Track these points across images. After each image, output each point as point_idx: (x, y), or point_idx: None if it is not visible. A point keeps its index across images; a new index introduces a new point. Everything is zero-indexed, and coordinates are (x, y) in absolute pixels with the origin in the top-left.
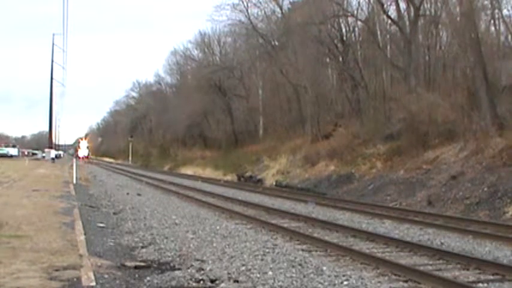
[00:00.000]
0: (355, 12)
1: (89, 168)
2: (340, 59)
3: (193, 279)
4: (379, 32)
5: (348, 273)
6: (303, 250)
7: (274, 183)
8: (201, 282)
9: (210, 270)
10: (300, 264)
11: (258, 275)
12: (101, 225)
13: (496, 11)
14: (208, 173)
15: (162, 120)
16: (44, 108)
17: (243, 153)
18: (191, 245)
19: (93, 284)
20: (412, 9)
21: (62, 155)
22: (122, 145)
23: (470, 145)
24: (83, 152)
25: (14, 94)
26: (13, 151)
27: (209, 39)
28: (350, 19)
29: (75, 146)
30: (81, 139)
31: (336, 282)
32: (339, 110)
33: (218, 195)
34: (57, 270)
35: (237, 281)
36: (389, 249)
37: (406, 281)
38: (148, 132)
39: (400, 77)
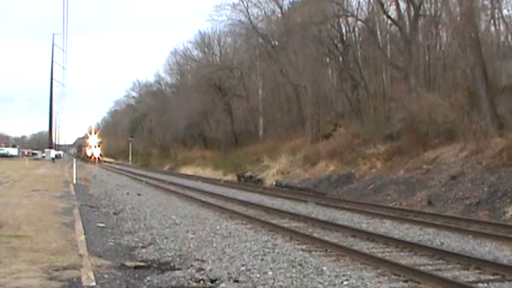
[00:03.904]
0: (355, 12)
1: (89, 168)
2: (340, 59)
3: (193, 279)
4: (379, 32)
5: (348, 273)
6: (303, 250)
7: (274, 183)
8: (201, 282)
9: (210, 270)
10: (300, 264)
11: (258, 275)
12: (101, 225)
13: (496, 11)
14: (208, 173)
15: (162, 120)
16: (45, 109)
17: (243, 153)
18: (191, 245)
19: (93, 284)
20: (412, 9)
21: (62, 155)
22: (122, 145)
23: (470, 145)
24: (93, 150)
25: (16, 94)
26: (13, 151)
27: (209, 39)
28: (350, 19)
29: (81, 142)
30: (90, 133)
31: (336, 282)
32: (339, 110)
33: (218, 195)
34: (57, 270)
35: (237, 281)
36: (390, 249)
37: (406, 281)
38: (148, 132)
39: (400, 77)
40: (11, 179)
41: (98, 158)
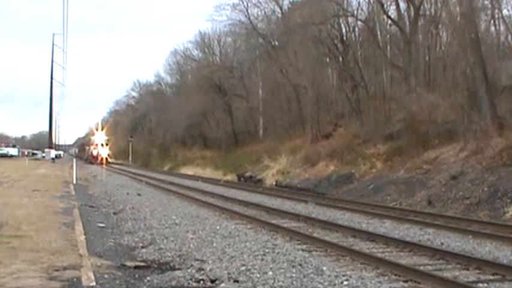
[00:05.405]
0: (355, 12)
1: (89, 168)
2: (340, 59)
3: (193, 279)
4: (379, 32)
5: (348, 273)
6: (303, 250)
7: (274, 183)
8: (201, 282)
9: (210, 270)
10: (300, 264)
11: (258, 275)
12: (101, 225)
13: (496, 11)
14: (208, 173)
15: (162, 120)
16: (45, 109)
17: (243, 153)
18: (191, 245)
19: (93, 284)
20: (412, 9)
21: (62, 155)
22: (122, 145)
23: (470, 145)
24: (100, 150)
25: (16, 94)
26: (13, 151)
27: (209, 39)
28: (350, 19)
29: (84, 140)
30: (96, 129)
31: (336, 282)
32: (339, 110)
33: (218, 195)
34: (57, 270)
35: (237, 281)
36: (390, 249)
37: (406, 281)
38: (148, 132)
39: (400, 77)
40: (11, 179)
41: (106, 159)
